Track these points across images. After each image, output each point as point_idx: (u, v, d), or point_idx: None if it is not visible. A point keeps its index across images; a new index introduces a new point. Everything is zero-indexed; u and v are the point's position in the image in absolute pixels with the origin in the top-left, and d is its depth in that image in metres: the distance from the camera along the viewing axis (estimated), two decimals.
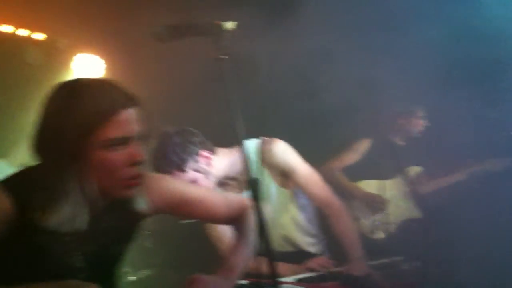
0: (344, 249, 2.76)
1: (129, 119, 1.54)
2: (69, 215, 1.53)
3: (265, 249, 1.70)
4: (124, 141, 1.54)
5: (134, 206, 1.68)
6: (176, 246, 4.53)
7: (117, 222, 1.71)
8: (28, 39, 5.33)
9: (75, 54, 4.90)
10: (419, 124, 4.31)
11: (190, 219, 2.02)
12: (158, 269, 4.45)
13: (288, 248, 2.92)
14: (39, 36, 5.41)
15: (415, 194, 4.23)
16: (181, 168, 2.54)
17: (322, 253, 2.98)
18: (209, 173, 2.62)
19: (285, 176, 2.82)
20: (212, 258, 2.83)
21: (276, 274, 1.65)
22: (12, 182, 1.57)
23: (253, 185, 1.72)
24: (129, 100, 1.56)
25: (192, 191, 1.91)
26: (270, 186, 2.84)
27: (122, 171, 1.55)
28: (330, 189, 2.88)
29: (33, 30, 5.35)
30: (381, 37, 3.76)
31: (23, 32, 5.29)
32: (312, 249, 2.98)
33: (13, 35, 5.21)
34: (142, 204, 1.70)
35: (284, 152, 2.78)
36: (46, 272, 1.61)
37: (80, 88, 1.54)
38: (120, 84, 1.60)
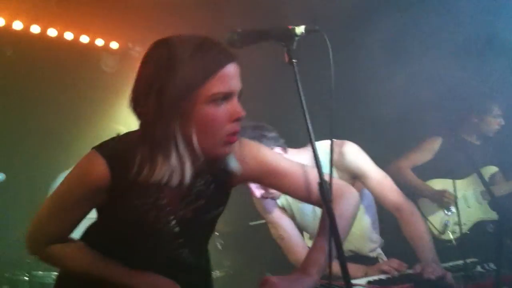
0: (417, 252, 2.69)
1: (232, 74, 1.54)
2: (174, 168, 1.52)
3: (336, 251, 1.67)
4: (227, 96, 1.53)
5: (227, 166, 1.67)
6: (246, 248, 4.59)
7: (210, 185, 1.71)
8: (104, 48, 5.58)
9: None
10: (495, 122, 4.14)
11: (275, 190, 1.94)
12: (229, 270, 4.52)
13: (347, 253, 2.90)
14: (114, 45, 5.66)
15: (490, 195, 4.04)
16: None
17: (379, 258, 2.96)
18: None
19: (354, 178, 2.79)
20: (283, 260, 2.88)
21: (348, 276, 1.61)
22: (105, 147, 1.63)
23: (322, 188, 1.72)
24: (230, 56, 1.56)
25: (281, 162, 1.82)
26: None
27: (224, 127, 1.53)
28: (401, 192, 2.82)
29: (108, 39, 5.59)
30: (452, 36, 3.69)
31: (99, 42, 5.54)
32: (372, 255, 2.96)
33: (90, 44, 5.46)
34: (234, 164, 1.68)
35: (356, 154, 2.75)
36: (143, 238, 1.69)
37: (181, 44, 1.52)
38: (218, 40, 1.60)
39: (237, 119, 1.55)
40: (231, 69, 1.54)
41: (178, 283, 1.77)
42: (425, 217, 3.97)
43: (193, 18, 4.13)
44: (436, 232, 4.00)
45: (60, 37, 5.21)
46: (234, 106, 1.54)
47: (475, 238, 3.85)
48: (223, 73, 1.52)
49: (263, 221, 3.05)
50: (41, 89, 4.91)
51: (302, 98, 1.75)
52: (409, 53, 3.73)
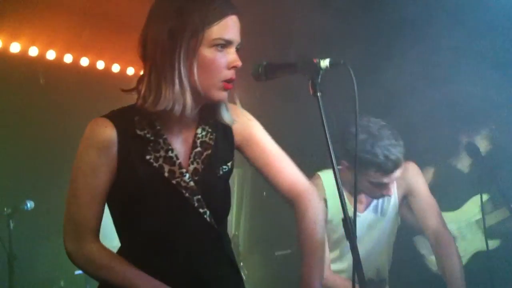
0: (448, 284, 2.69)
1: (235, 25, 1.70)
2: (176, 95, 1.65)
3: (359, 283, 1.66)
4: (228, 44, 1.68)
5: (222, 117, 1.80)
6: (272, 278, 4.54)
7: (212, 135, 1.81)
8: (134, 77, 5.68)
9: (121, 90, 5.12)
10: (483, 144, 3.90)
11: (252, 162, 1.95)
12: None
13: (372, 276, 2.88)
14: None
15: (483, 224, 3.75)
16: None
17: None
18: None
19: (404, 196, 2.85)
20: None
21: None
22: (111, 113, 1.76)
23: (346, 224, 1.70)
24: (233, 8, 1.70)
25: (267, 138, 1.94)
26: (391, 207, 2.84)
27: (221, 71, 1.68)
28: (444, 222, 2.84)
29: (138, 69, 5.69)
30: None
31: (130, 71, 5.65)
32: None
33: (121, 73, 5.57)
34: (228, 118, 1.81)
35: (417, 173, 2.84)
36: (165, 198, 1.71)
37: None
38: None
39: (233, 67, 1.70)
40: (232, 20, 1.69)
41: (208, 260, 1.78)
42: (421, 254, 3.85)
43: None
44: (435, 269, 3.86)
45: (92, 66, 5.33)
46: (232, 55, 1.70)
47: (474, 270, 3.73)
48: (225, 22, 1.67)
49: (289, 251, 3.01)
50: (72, 117, 4.98)
51: (327, 130, 1.74)
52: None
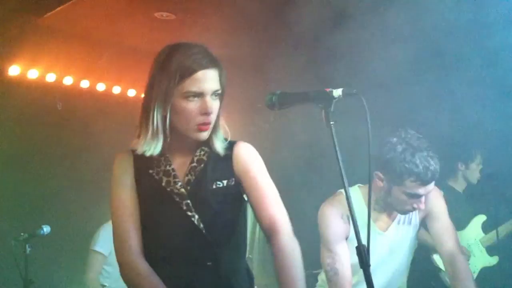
0: None
1: (206, 78, 1.95)
2: (149, 141, 1.98)
3: None
4: (198, 95, 1.95)
5: (214, 147, 2.06)
6: None
7: (209, 155, 2.08)
8: (121, 96, 5.70)
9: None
10: (478, 170, 4.24)
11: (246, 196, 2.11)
12: None
13: None
14: (132, 92, 5.77)
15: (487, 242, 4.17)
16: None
17: None
18: None
19: (423, 219, 2.87)
20: None
21: None
22: None
23: (360, 253, 1.70)
24: (210, 63, 1.97)
25: (262, 175, 2.10)
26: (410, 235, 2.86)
27: (195, 118, 1.96)
28: (460, 245, 2.86)
29: (125, 87, 5.72)
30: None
31: (116, 90, 5.67)
32: None
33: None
34: (219, 148, 2.06)
35: (439, 198, 2.86)
36: (160, 202, 2.03)
37: (174, 49, 1.99)
38: (206, 47, 2.02)
39: (205, 113, 1.96)
40: (205, 74, 1.95)
41: (193, 264, 2.02)
42: (441, 270, 3.93)
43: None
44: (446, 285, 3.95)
45: (108, 90, 5.40)
46: (204, 103, 1.96)
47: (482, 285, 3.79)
48: (197, 76, 1.94)
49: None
50: (89, 142, 5.05)
51: (340, 159, 1.76)
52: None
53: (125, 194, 2.06)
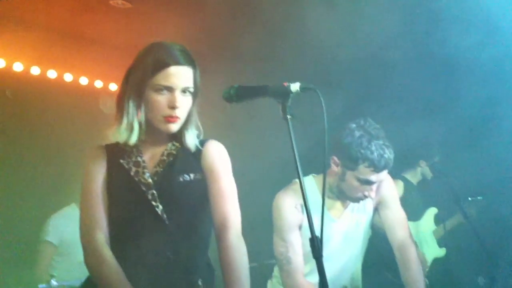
0: None
1: (177, 74, 2.07)
2: (123, 129, 2.11)
3: None
4: (168, 89, 2.07)
5: (185, 142, 2.17)
6: None
7: (178, 149, 2.19)
8: (103, 90, 5.66)
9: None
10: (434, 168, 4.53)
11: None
12: None
13: (346, 284, 2.95)
14: (113, 86, 5.74)
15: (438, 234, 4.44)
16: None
17: None
18: None
19: (376, 208, 2.96)
20: None
21: None
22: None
23: (313, 243, 1.75)
24: (185, 60, 2.09)
25: (225, 175, 2.20)
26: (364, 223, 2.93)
27: (163, 110, 2.07)
28: (411, 235, 2.95)
29: (107, 81, 5.68)
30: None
31: (98, 84, 5.63)
32: None
33: (90, 86, 5.54)
34: (190, 143, 2.17)
35: (392, 187, 2.95)
36: (128, 192, 2.11)
37: (154, 45, 2.13)
38: (185, 48, 2.14)
39: (172, 107, 2.06)
40: (175, 70, 2.07)
41: (155, 254, 2.07)
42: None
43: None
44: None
45: (59, 79, 5.30)
46: (173, 97, 2.07)
47: (434, 275, 4.01)
48: (167, 71, 2.06)
49: (255, 264, 3.00)
50: (37, 130, 4.94)
51: (296, 153, 1.80)
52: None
53: (95, 184, 2.14)
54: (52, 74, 5.24)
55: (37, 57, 5.01)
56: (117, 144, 2.18)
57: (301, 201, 2.70)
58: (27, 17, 4.49)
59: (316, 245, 1.73)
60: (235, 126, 4.51)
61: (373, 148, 2.65)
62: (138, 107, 2.11)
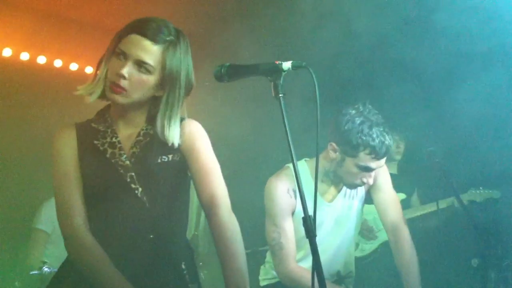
0: (405, 280, 2.78)
1: (137, 45, 1.98)
2: (90, 84, 2.04)
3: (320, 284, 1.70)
4: (125, 55, 1.98)
5: (156, 125, 2.06)
6: None
7: (155, 131, 2.08)
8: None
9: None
10: (396, 146, 4.39)
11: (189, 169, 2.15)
12: None
13: (339, 268, 2.94)
14: (74, 66, 5.58)
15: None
16: None
17: None
18: None
19: (368, 191, 2.93)
20: None
21: None
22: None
23: (306, 223, 1.73)
24: (153, 35, 1.98)
25: (207, 153, 2.14)
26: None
27: (112, 75, 1.99)
28: (403, 217, 2.94)
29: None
30: None
31: (89, 69, 5.56)
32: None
33: (80, 71, 5.48)
34: (160, 127, 2.05)
35: (384, 170, 2.90)
36: (104, 174, 2.04)
37: (137, 19, 2.04)
38: (171, 27, 2.04)
39: (118, 74, 1.96)
40: (137, 40, 1.98)
41: (137, 237, 2.04)
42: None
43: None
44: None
45: (49, 64, 5.23)
46: (123, 64, 1.97)
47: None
48: (128, 38, 1.99)
49: (249, 250, 2.98)
50: (24, 115, 4.89)
51: (289, 134, 1.78)
52: None
53: (67, 167, 2.06)
54: (41, 59, 5.17)
55: (26, 43, 4.94)
56: (89, 124, 2.12)
57: (294, 186, 2.70)
58: (18, 2, 4.43)
59: (309, 225, 1.71)
60: (225, 108, 4.47)
61: (374, 135, 2.61)
62: (105, 70, 2.04)
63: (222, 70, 1.93)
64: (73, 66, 5.44)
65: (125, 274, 1.96)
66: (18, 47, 4.96)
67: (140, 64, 1.98)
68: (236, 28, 4.27)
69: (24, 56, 5.03)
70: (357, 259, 3.39)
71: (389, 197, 2.93)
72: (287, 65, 1.82)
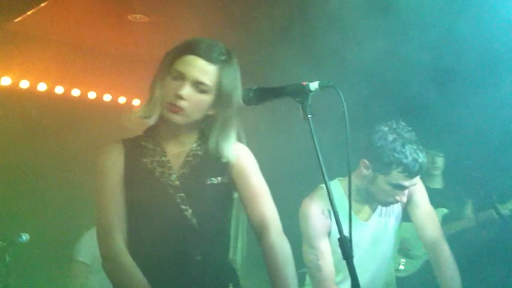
0: None
1: (194, 65, 1.99)
2: (151, 106, 2.03)
3: None
4: (181, 77, 1.98)
5: (208, 144, 2.09)
6: None
7: (205, 152, 2.10)
8: (126, 105, 5.70)
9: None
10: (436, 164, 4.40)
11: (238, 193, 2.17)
12: None
13: None
14: (136, 102, 5.78)
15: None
16: None
17: None
18: None
19: (405, 207, 2.87)
20: None
21: None
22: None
23: (343, 244, 1.70)
24: (209, 55, 2.00)
25: (256, 177, 2.15)
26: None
27: (169, 95, 1.99)
28: (442, 232, 2.86)
29: (130, 97, 5.72)
30: None
31: (122, 100, 5.68)
32: None
33: (113, 102, 5.59)
34: (214, 147, 2.08)
35: (420, 184, 2.83)
36: (153, 193, 2.03)
37: (189, 40, 2.06)
38: (221, 46, 2.07)
39: (176, 95, 1.97)
40: (193, 60, 1.99)
41: (185, 257, 2.03)
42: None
43: None
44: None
45: (83, 96, 5.35)
46: (181, 85, 1.98)
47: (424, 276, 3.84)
48: (185, 58, 2.00)
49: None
50: (64, 147, 4.99)
51: (319, 154, 1.76)
52: None
53: (111, 184, 2.04)
54: (75, 92, 5.30)
55: (60, 76, 5.06)
56: (137, 141, 2.11)
57: (328, 207, 2.66)
58: (47, 35, 4.55)
59: (345, 246, 1.67)
60: (255, 130, 4.48)
61: (407, 152, 2.56)
62: (161, 91, 2.03)
63: (250, 94, 1.93)
64: (107, 97, 5.56)
65: None
66: (51, 81, 5.09)
67: (197, 85, 1.99)
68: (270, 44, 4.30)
69: (59, 90, 5.17)
70: (402, 279, 3.33)
71: (427, 213, 2.85)
72: (314, 85, 1.81)
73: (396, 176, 2.59)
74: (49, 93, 5.10)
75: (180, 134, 2.09)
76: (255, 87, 1.95)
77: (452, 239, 3.34)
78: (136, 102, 5.78)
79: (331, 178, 2.77)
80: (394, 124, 2.65)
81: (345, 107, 1.78)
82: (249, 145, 2.25)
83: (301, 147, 2.57)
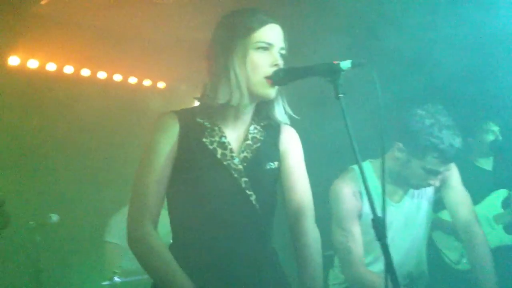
0: (479, 279, 2.70)
1: (275, 31, 1.95)
2: (233, 88, 1.92)
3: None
4: (269, 46, 1.93)
5: (274, 114, 2.04)
6: None
7: (262, 133, 2.06)
8: (151, 88, 5.72)
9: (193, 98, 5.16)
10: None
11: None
12: None
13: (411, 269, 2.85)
14: (161, 84, 5.79)
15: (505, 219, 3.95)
16: None
17: None
18: None
19: (438, 190, 2.83)
20: None
21: None
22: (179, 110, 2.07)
23: (376, 224, 1.67)
24: (275, 19, 1.97)
25: (300, 164, 2.14)
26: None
27: (265, 69, 1.91)
28: (476, 215, 2.84)
29: (155, 79, 5.73)
30: None
31: (146, 82, 5.68)
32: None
33: (138, 85, 5.61)
34: (280, 116, 2.04)
35: (454, 167, 2.81)
36: (216, 177, 1.94)
37: (239, 11, 2.00)
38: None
39: (276, 65, 1.91)
40: (275, 28, 1.95)
41: (249, 242, 1.98)
42: (439, 249, 3.91)
43: None
44: (450, 263, 3.88)
45: (109, 79, 5.38)
46: (274, 55, 1.93)
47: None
48: (266, 28, 1.93)
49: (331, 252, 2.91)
50: (91, 130, 5.03)
51: (351, 135, 1.73)
52: None
53: (159, 163, 1.92)
54: (101, 75, 5.32)
55: (85, 59, 5.09)
56: (193, 117, 1.99)
57: (359, 188, 2.65)
58: (73, 18, 4.56)
59: (379, 226, 1.65)
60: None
61: (444, 137, 2.52)
62: (242, 67, 1.91)
63: (280, 74, 1.91)
64: (132, 80, 5.58)
65: (230, 280, 1.94)
66: (77, 63, 5.12)
67: (281, 51, 1.97)
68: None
69: (85, 72, 5.20)
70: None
71: (460, 194, 2.83)
72: (346, 64, 1.77)
73: (431, 161, 2.56)
74: (76, 76, 5.13)
75: (244, 112, 2.01)
76: (285, 66, 1.93)
77: None
78: (160, 84, 5.78)
79: (362, 160, 2.74)
80: (431, 108, 2.60)
81: (378, 86, 1.74)
82: None
83: (333, 126, 2.54)
